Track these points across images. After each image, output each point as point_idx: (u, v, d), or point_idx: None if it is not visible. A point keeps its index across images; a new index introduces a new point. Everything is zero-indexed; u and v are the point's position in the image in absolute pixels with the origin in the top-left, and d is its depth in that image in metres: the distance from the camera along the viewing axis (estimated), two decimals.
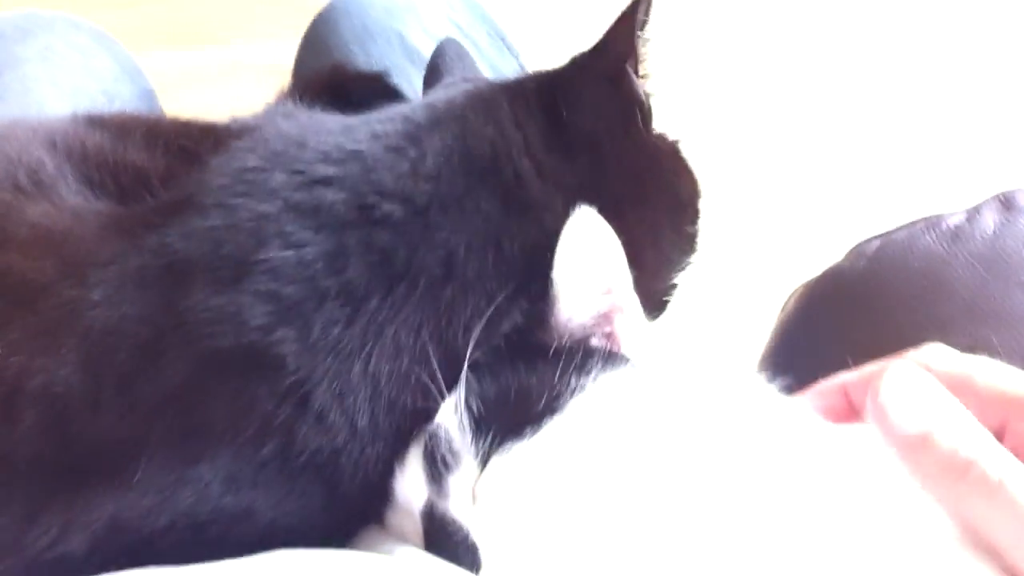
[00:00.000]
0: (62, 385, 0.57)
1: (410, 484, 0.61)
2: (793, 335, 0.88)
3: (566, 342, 0.63)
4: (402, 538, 0.61)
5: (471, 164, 0.66)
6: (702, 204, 0.77)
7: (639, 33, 0.71)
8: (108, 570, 0.55)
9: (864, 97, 2.27)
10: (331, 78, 0.95)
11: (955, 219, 0.82)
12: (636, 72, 0.72)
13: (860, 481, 0.55)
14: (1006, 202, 0.81)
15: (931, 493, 0.52)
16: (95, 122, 0.73)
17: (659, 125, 0.76)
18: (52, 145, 0.68)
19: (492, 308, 0.62)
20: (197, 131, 0.73)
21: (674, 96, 0.77)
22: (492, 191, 0.66)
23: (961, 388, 0.55)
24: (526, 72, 0.78)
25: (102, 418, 0.57)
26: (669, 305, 0.78)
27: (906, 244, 0.82)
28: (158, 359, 0.57)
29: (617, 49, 0.72)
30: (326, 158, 0.64)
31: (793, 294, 0.90)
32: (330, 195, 0.62)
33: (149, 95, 1.08)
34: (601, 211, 0.65)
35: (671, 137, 0.77)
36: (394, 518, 0.63)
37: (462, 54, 0.87)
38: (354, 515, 0.63)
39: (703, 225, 0.77)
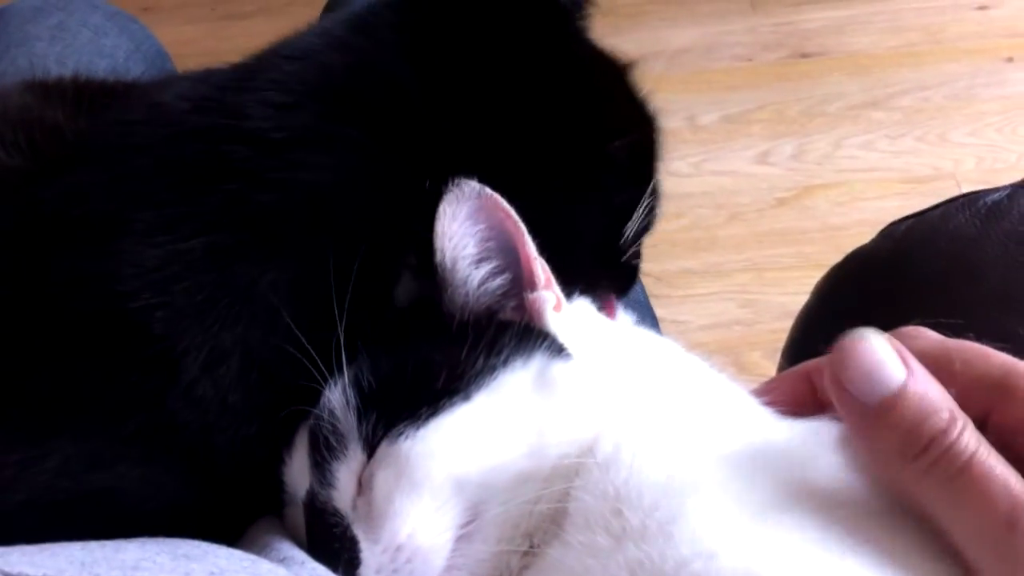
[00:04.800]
0: None
1: (296, 472, 0.55)
2: (812, 324, 0.78)
3: (469, 318, 0.55)
4: (295, 533, 0.55)
5: (336, 86, 0.58)
6: (653, 139, 0.67)
7: None
8: None
9: None
10: None
11: (996, 195, 0.71)
12: None
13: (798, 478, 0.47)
14: None
15: (884, 478, 0.45)
16: (31, 85, 0.69)
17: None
18: None
19: (382, 260, 0.55)
20: (124, 88, 0.69)
21: None
22: (363, 113, 0.57)
23: (939, 373, 0.47)
24: None
25: None
26: (638, 271, 0.69)
27: (937, 223, 0.72)
28: (19, 321, 0.53)
29: None
30: (195, 108, 0.58)
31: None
32: (193, 148, 0.56)
33: (168, 74, 1.05)
34: (502, 127, 0.58)
35: (621, 61, 0.68)
36: (289, 511, 0.56)
37: None
38: (245, 502, 0.56)
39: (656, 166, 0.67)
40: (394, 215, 0.56)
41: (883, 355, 0.44)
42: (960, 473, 0.42)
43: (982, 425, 0.46)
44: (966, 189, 1.92)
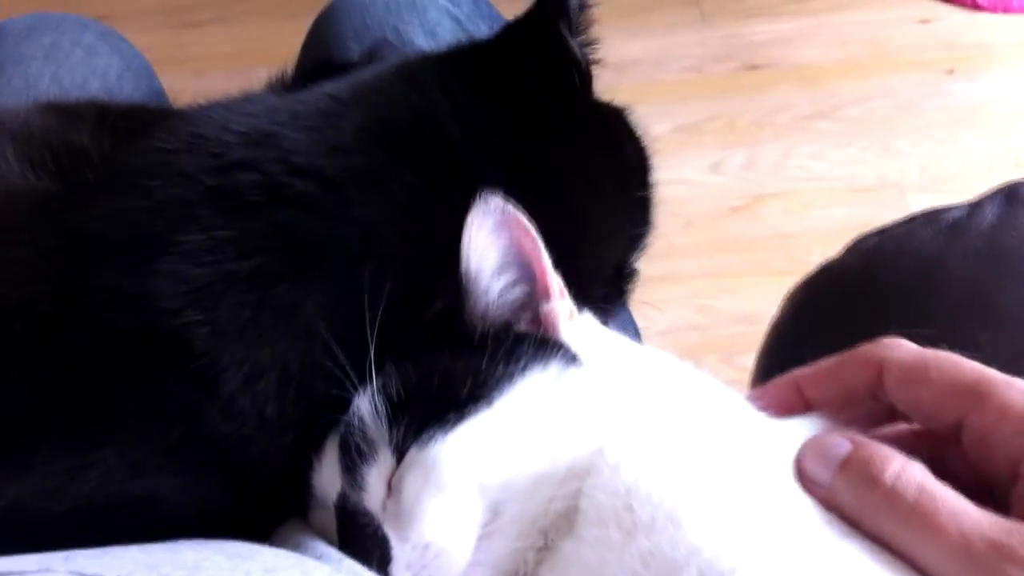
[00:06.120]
0: None
1: (326, 476, 0.59)
2: (785, 335, 0.83)
3: (489, 329, 0.60)
4: (322, 533, 0.59)
5: (393, 135, 0.63)
6: (651, 172, 0.74)
7: None
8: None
9: None
10: (315, 69, 0.94)
11: (956, 213, 0.77)
12: (571, 33, 0.68)
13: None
14: (1010, 195, 0.76)
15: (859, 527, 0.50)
16: (51, 107, 0.72)
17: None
18: None
19: (416, 287, 0.59)
20: (143, 113, 0.72)
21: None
22: (417, 162, 0.62)
23: (916, 381, 0.53)
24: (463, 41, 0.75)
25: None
26: (630, 292, 0.75)
27: (903, 240, 0.78)
28: (61, 338, 0.56)
29: (548, 10, 0.68)
30: (244, 140, 0.62)
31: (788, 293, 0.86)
32: (244, 178, 0.60)
33: (157, 93, 1.08)
34: (539, 179, 0.63)
35: (616, 103, 0.74)
36: (315, 513, 0.60)
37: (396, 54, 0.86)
38: (270, 508, 0.60)
39: (655, 196, 0.74)
40: (436, 249, 0.60)
41: (830, 439, 0.52)
42: (910, 511, 0.47)
43: (957, 429, 0.52)
44: (910, 197, 2.01)
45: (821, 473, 0.51)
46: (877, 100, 2.23)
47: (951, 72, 2.28)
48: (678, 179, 2.10)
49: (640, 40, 2.39)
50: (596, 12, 0.70)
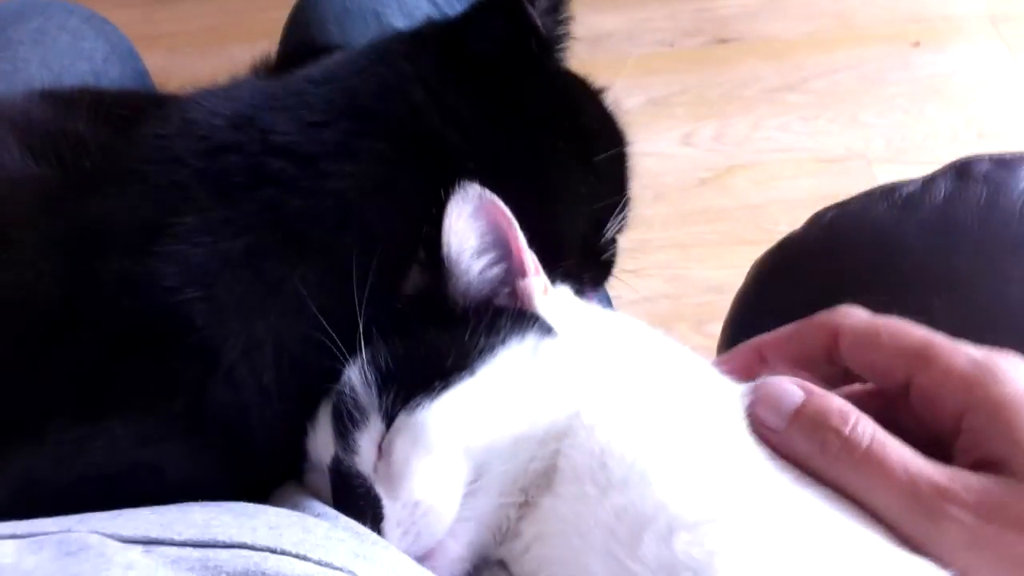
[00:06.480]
0: None
1: (320, 441, 0.63)
2: (750, 304, 0.88)
3: (471, 304, 0.64)
4: (317, 495, 0.63)
5: (361, 107, 0.67)
6: (615, 138, 0.77)
7: None
8: None
9: None
10: (297, 54, 0.96)
11: (910, 188, 0.81)
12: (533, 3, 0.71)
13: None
14: (961, 170, 0.80)
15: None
16: (46, 96, 0.75)
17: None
18: None
19: (394, 256, 0.63)
20: (135, 100, 0.75)
21: None
22: (384, 132, 0.66)
23: (868, 345, 0.58)
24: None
25: (13, 377, 0.59)
26: (614, 266, 0.79)
27: (861, 213, 0.82)
28: (71, 318, 0.60)
29: None
30: (229, 123, 0.65)
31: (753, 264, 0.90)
32: (229, 160, 0.63)
33: (142, 75, 1.11)
34: (498, 145, 0.68)
35: (579, 73, 0.77)
36: (310, 476, 0.64)
37: None
38: (269, 472, 0.64)
39: (626, 167, 0.77)
40: (408, 217, 0.64)
41: (783, 387, 0.56)
42: (864, 459, 0.52)
43: (906, 388, 0.56)
44: (876, 167, 2.04)
45: (775, 420, 0.55)
46: (843, 72, 2.27)
47: (917, 44, 2.32)
48: (649, 152, 2.14)
49: (612, 14, 2.42)
50: None
